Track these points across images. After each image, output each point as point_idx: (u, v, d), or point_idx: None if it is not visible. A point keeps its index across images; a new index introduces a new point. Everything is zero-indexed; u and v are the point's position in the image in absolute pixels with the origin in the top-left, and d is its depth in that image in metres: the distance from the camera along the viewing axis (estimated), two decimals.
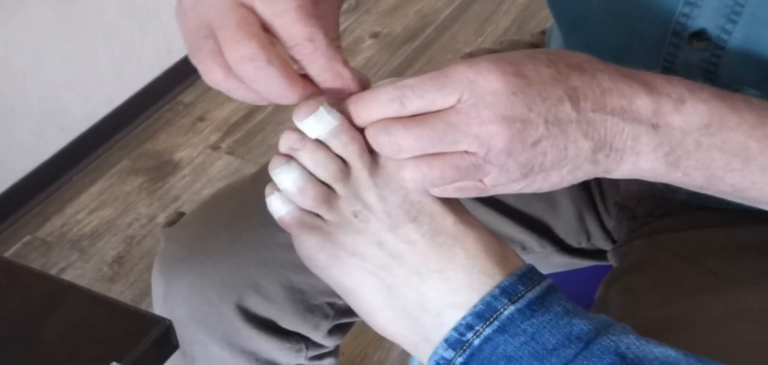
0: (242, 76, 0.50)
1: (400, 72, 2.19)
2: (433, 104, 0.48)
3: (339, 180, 0.51)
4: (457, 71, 0.48)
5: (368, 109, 0.50)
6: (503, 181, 0.50)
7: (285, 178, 0.52)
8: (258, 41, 0.49)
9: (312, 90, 0.51)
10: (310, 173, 0.52)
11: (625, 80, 0.50)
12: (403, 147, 0.48)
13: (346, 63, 0.51)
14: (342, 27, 2.37)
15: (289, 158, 0.52)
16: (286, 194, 0.52)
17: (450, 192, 0.51)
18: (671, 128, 0.49)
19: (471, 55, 0.88)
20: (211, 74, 0.51)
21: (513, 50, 0.87)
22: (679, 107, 0.49)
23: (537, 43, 0.89)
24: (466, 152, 0.48)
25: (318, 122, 0.51)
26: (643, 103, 0.49)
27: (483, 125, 0.47)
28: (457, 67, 0.48)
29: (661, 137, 0.49)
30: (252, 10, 0.50)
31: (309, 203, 0.52)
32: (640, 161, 0.50)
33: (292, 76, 0.50)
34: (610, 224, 0.82)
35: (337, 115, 0.51)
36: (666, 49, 0.63)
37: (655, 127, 0.49)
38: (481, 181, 0.50)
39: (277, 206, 0.53)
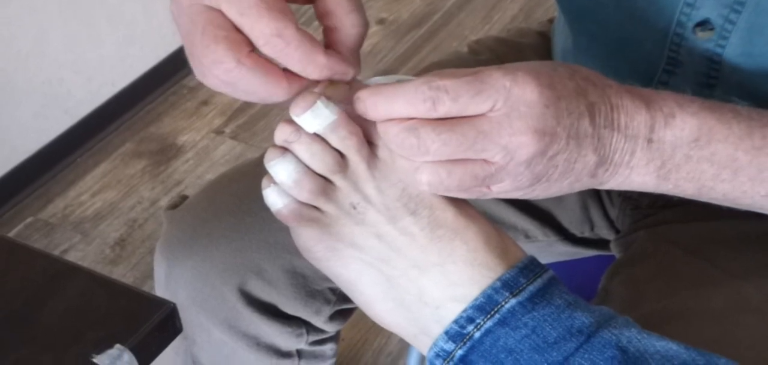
0: (216, 80, 0.50)
1: (406, 58, 2.19)
2: (466, 109, 0.47)
3: (336, 173, 0.51)
4: (493, 78, 0.47)
5: (393, 104, 0.48)
6: (511, 189, 0.49)
7: (280, 171, 0.51)
8: (225, 44, 0.48)
9: (299, 83, 0.50)
10: (307, 166, 0.51)
11: (628, 96, 0.50)
12: (430, 151, 0.47)
13: (327, 52, 0.50)
14: None
15: (285, 150, 0.51)
16: (282, 187, 0.52)
17: (453, 194, 0.50)
18: (663, 143, 0.50)
19: (477, 43, 0.89)
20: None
21: (521, 38, 0.88)
22: (670, 122, 0.50)
23: (545, 31, 0.88)
24: (484, 160, 0.48)
25: (315, 117, 0.50)
26: (642, 119, 0.50)
27: (514, 135, 0.47)
28: (492, 73, 0.47)
29: (654, 152, 0.50)
30: (220, 12, 0.49)
31: (305, 196, 0.52)
32: (632, 174, 0.51)
33: (269, 72, 0.49)
34: (613, 213, 0.82)
35: (335, 108, 0.50)
36: (671, 39, 0.63)
37: (649, 142, 0.50)
38: (487, 186, 0.49)
39: (273, 198, 0.53)
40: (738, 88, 0.62)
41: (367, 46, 2.24)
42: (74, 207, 1.81)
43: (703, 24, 0.61)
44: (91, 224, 1.76)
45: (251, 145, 1.93)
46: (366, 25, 0.53)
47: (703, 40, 0.61)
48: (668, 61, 0.64)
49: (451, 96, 0.47)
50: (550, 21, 0.89)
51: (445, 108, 0.47)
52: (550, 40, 0.86)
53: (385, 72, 2.13)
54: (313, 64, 0.50)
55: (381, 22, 2.34)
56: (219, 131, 1.98)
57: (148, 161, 1.92)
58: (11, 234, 1.73)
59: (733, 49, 0.60)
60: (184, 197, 0.79)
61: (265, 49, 0.49)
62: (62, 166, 1.90)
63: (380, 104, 0.48)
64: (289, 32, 0.48)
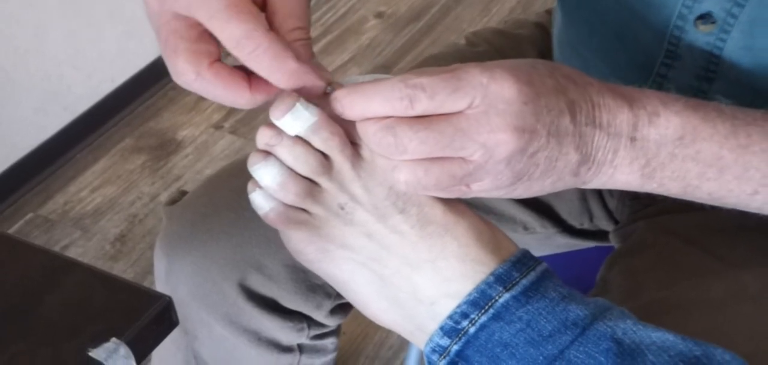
0: (183, 85, 0.50)
1: (404, 52, 2.19)
2: (443, 106, 0.47)
3: (321, 174, 0.51)
4: (470, 75, 0.47)
5: (370, 103, 0.48)
6: (491, 188, 0.49)
7: (264, 175, 0.51)
8: (185, 56, 0.48)
9: (265, 91, 0.50)
10: (291, 168, 0.51)
11: (610, 94, 0.50)
12: (408, 150, 0.47)
13: (298, 57, 0.49)
14: (346, 6, 2.36)
15: (268, 153, 0.51)
16: (267, 191, 0.52)
17: (431, 193, 0.50)
18: (647, 141, 0.50)
19: (475, 35, 0.89)
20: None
21: (518, 30, 0.88)
22: (654, 120, 0.50)
23: (542, 22, 0.88)
24: (463, 159, 0.48)
25: (295, 119, 0.49)
26: (625, 117, 0.49)
27: (492, 133, 0.46)
28: (470, 70, 0.47)
29: (637, 151, 0.50)
30: (185, 20, 0.48)
31: (291, 199, 0.51)
32: (616, 173, 0.51)
33: (231, 83, 0.49)
34: (612, 204, 0.82)
35: (315, 109, 0.49)
36: (671, 32, 0.63)
37: (632, 140, 0.50)
38: (466, 185, 0.49)
39: (259, 202, 0.52)
40: (737, 82, 0.61)
41: (365, 40, 2.24)
42: (74, 203, 1.81)
43: (705, 17, 0.61)
44: (91, 220, 1.76)
45: (250, 139, 1.93)
46: (307, 32, 0.52)
47: (704, 33, 0.61)
48: (667, 54, 0.64)
49: (428, 93, 0.46)
50: (548, 12, 0.89)
51: (423, 106, 0.46)
52: (549, 31, 0.86)
53: (383, 67, 2.13)
54: (283, 70, 0.48)
55: (379, 15, 2.34)
56: (218, 126, 1.98)
57: (147, 156, 1.92)
58: (11, 231, 1.74)
59: (734, 43, 0.60)
60: (183, 193, 0.79)
61: (236, 52, 0.48)
62: (62, 162, 1.90)
63: (357, 102, 0.48)
64: (259, 34, 0.47)
